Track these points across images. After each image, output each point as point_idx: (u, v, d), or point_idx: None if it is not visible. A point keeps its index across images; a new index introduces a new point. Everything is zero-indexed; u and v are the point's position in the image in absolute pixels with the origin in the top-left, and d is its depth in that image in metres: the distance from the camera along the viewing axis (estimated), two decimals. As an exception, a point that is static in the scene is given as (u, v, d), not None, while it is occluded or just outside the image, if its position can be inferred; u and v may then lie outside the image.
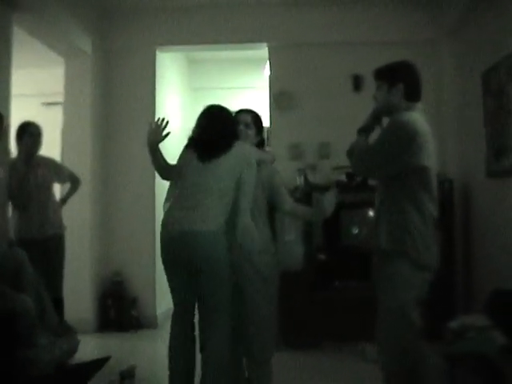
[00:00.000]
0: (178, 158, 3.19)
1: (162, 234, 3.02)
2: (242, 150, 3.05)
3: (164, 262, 3.04)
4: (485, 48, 4.58)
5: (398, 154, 2.64)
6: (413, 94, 2.80)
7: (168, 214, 3.04)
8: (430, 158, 2.70)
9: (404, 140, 2.63)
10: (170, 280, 3.05)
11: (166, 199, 3.18)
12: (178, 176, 3.09)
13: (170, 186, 3.23)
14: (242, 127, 3.19)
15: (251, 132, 3.20)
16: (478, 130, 4.63)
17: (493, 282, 4.22)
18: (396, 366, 2.69)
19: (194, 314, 3.08)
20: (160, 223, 3.05)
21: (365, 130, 2.92)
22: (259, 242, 3.03)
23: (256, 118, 3.25)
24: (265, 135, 3.40)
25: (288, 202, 3.19)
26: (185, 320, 3.07)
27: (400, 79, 2.78)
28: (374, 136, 2.92)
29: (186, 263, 2.95)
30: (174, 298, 3.09)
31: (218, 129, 3.10)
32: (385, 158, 2.70)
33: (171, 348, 3.06)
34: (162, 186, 3.68)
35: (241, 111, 3.28)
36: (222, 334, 2.95)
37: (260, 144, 3.29)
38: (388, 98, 2.80)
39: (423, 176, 2.69)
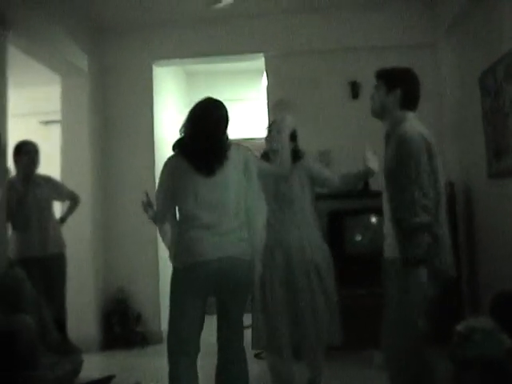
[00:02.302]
0: (166, 167, 2.89)
1: (189, 258, 2.74)
2: (238, 150, 2.86)
3: (184, 288, 2.76)
4: (481, 49, 4.56)
5: (425, 170, 2.59)
6: (409, 103, 2.77)
7: (190, 236, 2.76)
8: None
9: (421, 155, 2.58)
10: (185, 307, 2.75)
11: (161, 212, 2.97)
12: (182, 195, 2.81)
13: (164, 198, 2.92)
14: (274, 133, 3.43)
15: None
16: (477, 131, 4.60)
17: (498, 284, 4.18)
18: (403, 374, 2.64)
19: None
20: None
21: None
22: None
23: None
24: (299, 144, 3.57)
25: (334, 179, 3.45)
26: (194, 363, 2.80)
27: (398, 84, 2.74)
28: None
29: (216, 289, 2.80)
30: (182, 329, 2.76)
31: (219, 134, 2.84)
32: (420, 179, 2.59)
33: None
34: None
35: (274, 121, 3.60)
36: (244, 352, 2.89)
37: (296, 152, 3.47)
38: (384, 101, 2.78)
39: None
